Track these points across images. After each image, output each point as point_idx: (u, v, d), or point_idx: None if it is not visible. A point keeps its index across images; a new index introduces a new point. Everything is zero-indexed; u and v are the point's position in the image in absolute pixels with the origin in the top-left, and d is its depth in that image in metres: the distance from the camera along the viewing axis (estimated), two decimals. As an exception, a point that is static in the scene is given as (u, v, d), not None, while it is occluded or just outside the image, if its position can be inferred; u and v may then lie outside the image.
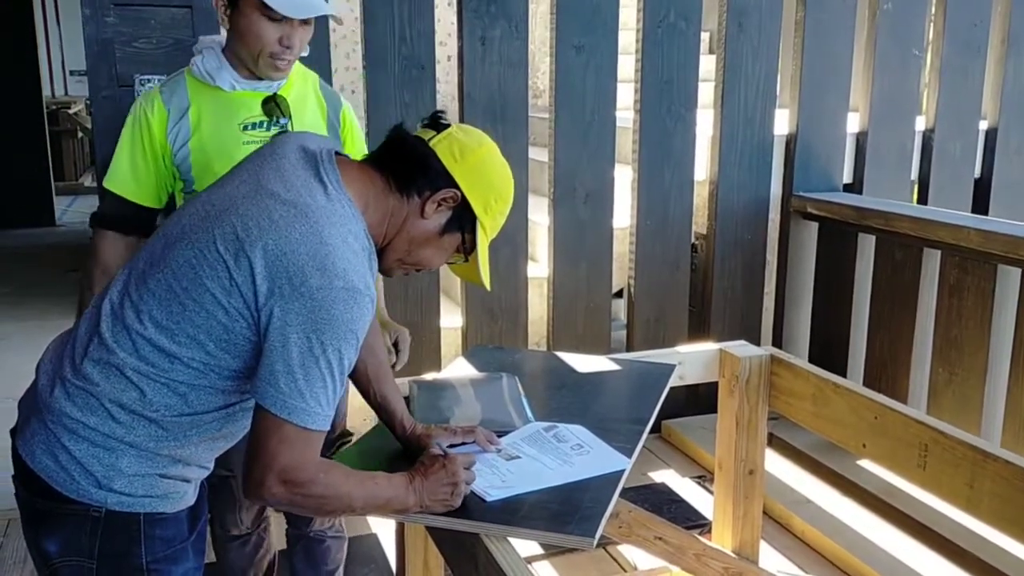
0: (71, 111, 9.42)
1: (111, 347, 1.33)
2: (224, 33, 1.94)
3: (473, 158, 1.43)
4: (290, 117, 1.95)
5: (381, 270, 1.46)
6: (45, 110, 8.04)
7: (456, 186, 1.41)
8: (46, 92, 8.47)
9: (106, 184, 1.97)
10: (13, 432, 1.44)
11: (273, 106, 1.93)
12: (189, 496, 1.45)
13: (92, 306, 1.42)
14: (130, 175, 1.94)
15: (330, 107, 2.04)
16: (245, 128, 1.92)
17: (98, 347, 1.35)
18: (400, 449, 1.63)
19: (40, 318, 5.07)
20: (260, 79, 1.92)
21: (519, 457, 1.59)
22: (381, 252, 1.42)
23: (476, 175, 1.43)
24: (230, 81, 1.91)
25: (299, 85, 2.00)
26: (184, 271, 1.31)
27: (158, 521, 1.39)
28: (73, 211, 8.39)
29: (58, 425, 1.35)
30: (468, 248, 1.47)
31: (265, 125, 1.92)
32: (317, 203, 1.32)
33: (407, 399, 1.90)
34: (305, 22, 1.85)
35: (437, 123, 1.46)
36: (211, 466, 1.49)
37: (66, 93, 10.36)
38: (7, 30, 7.32)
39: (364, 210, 1.37)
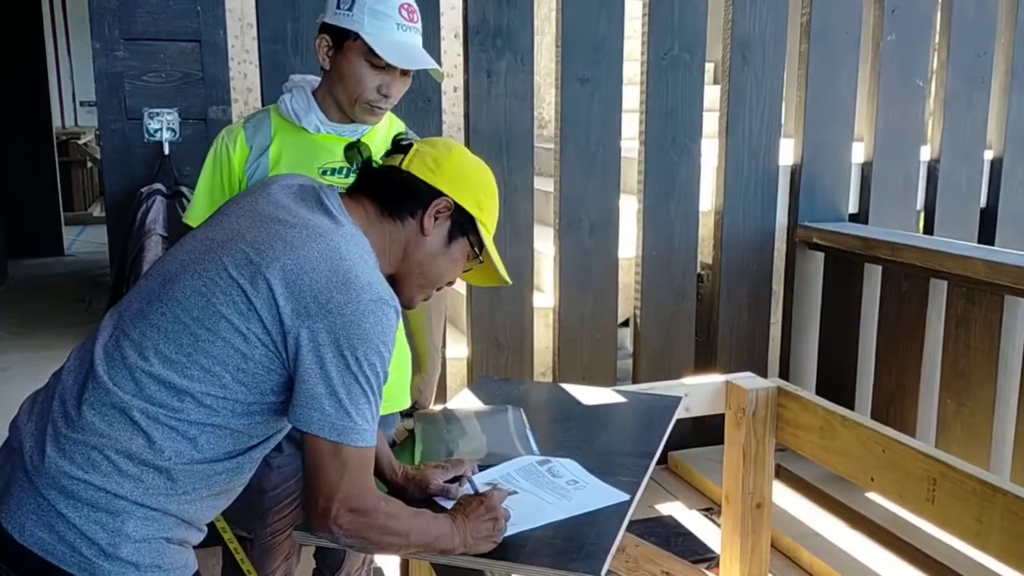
0: (81, 141, 9.49)
1: (111, 389, 1.25)
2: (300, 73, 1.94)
3: (448, 164, 1.45)
4: None
5: (402, 303, 1.42)
6: (55, 140, 8.11)
7: (444, 195, 1.42)
8: (56, 122, 8.54)
9: (186, 220, 1.97)
10: None
11: (355, 153, 1.87)
12: (191, 565, 1.36)
13: (74, 357, 1.34)
14: (207, 211, 1.91)
15: None
16: (324, 172, 1.90)
17: (96, 391, 1.26)
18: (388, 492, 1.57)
19: (46, 349, 5.06)
20: (345, 124, 1.90)
21: (516, 492, 1.58)
22: (395, 284, 1.39)
23: (457, 178, 1.44)
24: (315, 123, 1.89)
25: (384, 133, 1.97)
26: (193, 300, 1.27)
27: None
28: (82, 241, 8.43)
29: (53, 489, 1.23)
30: (477, 250, 1.48)
31: (345, 172, 1.89)
32: (326, 225, 1.32)
33: (411, 432, 1.90)
34: (405, 73, 1.83)
35: (399, 146, 1.48)
36: (206, 530, 1.40)
37: (76, 123, 10.44)
38: (18, 61, 7.40)
39: (365, 236, 1.37)
